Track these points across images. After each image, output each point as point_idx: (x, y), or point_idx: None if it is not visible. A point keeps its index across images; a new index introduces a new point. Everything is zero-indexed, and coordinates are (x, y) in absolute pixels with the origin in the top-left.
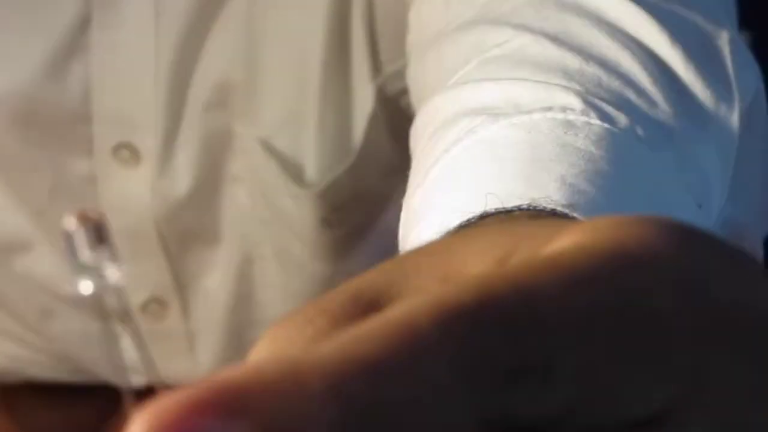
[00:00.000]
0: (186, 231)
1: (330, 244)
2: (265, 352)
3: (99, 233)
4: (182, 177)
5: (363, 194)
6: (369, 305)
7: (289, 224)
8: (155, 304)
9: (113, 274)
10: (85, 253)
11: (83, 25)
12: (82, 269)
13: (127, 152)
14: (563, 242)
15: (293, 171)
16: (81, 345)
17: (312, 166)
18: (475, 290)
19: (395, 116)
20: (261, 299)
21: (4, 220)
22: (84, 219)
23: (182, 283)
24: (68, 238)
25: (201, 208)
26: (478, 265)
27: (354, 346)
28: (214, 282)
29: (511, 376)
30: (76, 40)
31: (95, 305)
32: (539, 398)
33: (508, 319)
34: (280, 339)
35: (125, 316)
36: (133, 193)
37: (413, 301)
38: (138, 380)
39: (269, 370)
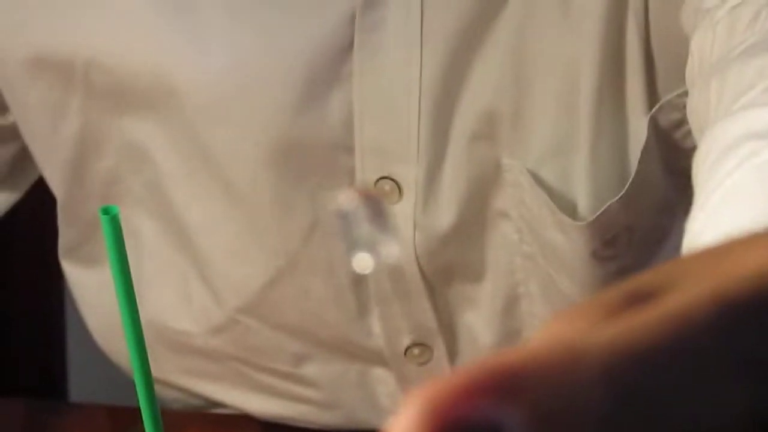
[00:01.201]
0: (449, 267)
1: (600, 280)
2: (540, 341)
3: (378, 209)
4: (446, 211)
5: (636, 228)
6: (646, 300)
7: (557, 259)
8: (418, 348)
9: (392, 251)
10: (364, 230)
11: (346, 49)
12: (359, 245)
13: (389, 185)
14: None
15: (563, 203)
16: (338, 388)
17: (583, 197)
18: (753, 283)
19: (669, 149)
20: (528, 338)
21: (242, 273)
22: (364, 195)
23: (445, 323)
24: (343, 217)
25: (465, 244)
26: (758, 260)
27: (631, 332)
28: (479, 320)
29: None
30: (338, 66)
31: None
32: None
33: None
34: (555, 331)
35: (418, 278)
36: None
37: (689, 292)
38: None
39: (544, 353)
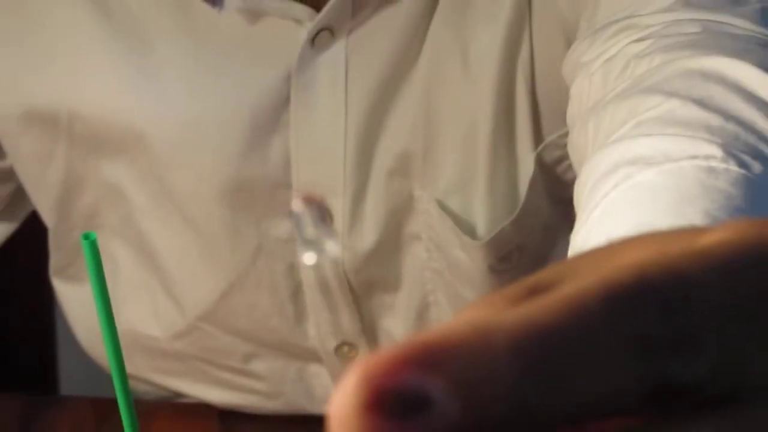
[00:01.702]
0: (370, 280)
1: (498, 289)
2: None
3: (321, 213)
4: (368, 234)
5: (526, 245)
6: (543, 291)
7: (461, 273)
8: (346, 347)
9: (332, 247)
10: (309, 230)
11: (284, 104)
12: (307, 243)
13: None
14: (711, 238)
15: (465, 226)
16: (280, 382)
17: (481, 221)
18: (637, 273)
19: (552, 181)
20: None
21: (198, 287)
22: (308, 201)
23: (367, 326)
24: (295, 217)
25: (384, 261)
26: (636, 256)
27: (533, 313)
28: (396, 324)
29: (664, 343)
30: (277, 117)
31: (318, 282)
32: (687, 363)
33: (664, 299)
34: (468, 315)
35: (347, 289)
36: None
37: (583, 280)
38: None
39: (461, 331)
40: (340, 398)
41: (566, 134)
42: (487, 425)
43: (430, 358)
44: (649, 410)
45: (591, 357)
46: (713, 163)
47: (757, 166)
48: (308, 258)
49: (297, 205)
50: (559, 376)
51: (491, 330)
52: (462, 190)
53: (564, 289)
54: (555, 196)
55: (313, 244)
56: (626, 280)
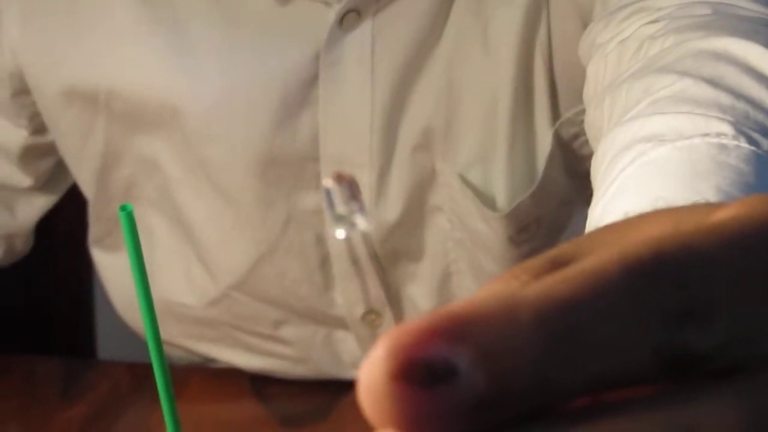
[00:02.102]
0: (395, 250)
1: (517, 259)
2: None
3: (352, 190)
4: (393, 206)
5: (543, 218)
6: (564, 264)
7: (481, 243)
8: (372, 315)
9: (362, 222)
10: (341, 206)
11: (312, 81)
12: (338, 219)
13: None
14: (724, 214)
15: (485, 199)
16: (308, 347)
17: (501, 194)
18: (653, 248)
19: (569, 156)
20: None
21: (230, 256)
22: (339, 178)
23: (392, 295)
24: (327, 194)
25: (408, 231)
26: (653, 230)
27: (556, 286)
28: (419, 292)
29: (679, 315)
30: (306, 93)
31: (348, 254)
32: (701, 334)
33: (679, 273)
34: (494, 288)
35: (370, 260)
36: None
37: (602, 255)
38: (357, 374)
39: (487, 304)
40: (370, 368)
41: (583, 111)
42: (510, 396)
43: (457, 329)
44: (665, 380)
45: (610, 329)
46: (724, 141)
47: (766, 143)
48: (339, 233)
49: (328, 182)
50: (579, 349)
51: (516, 303)
52: (482, 164)
53: (584, 263)
54: (571, 171)
55: (344, 220)
56: (643, 255)
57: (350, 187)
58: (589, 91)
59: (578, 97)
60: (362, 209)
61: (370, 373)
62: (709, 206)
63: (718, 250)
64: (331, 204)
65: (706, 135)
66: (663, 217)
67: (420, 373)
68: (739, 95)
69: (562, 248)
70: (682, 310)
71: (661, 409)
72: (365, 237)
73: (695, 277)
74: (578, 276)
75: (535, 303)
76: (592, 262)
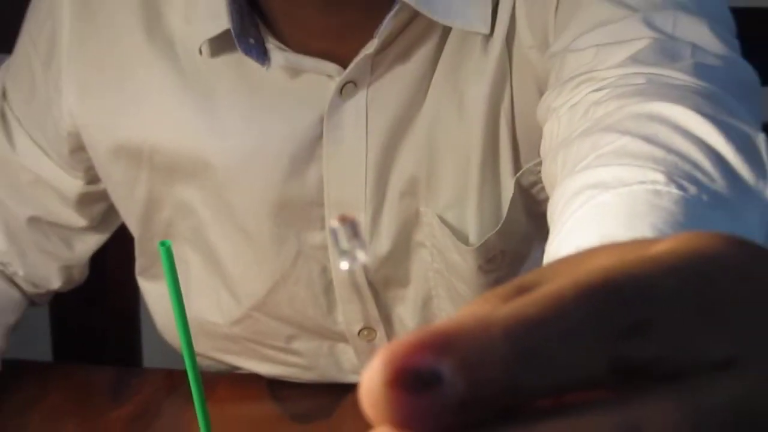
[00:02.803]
0: (386, 278)
1: (485, 285)
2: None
3: (354, 229)
4: (384, 242)
5: (508, 251)
6: (528, 290)
7: (456, 272)
8: (367, 331)
9: (362, 256)
10: (344, 243)
11: (317, 140)
12: (343, 253)
13: None
14: (660, 247)
15: (460, 236)
16: (315, 357)
17: (473, 232)
18: (602, 276)
19: (529, 200)
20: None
21: (250, 283)
22: (344, 220)
23: (384, 314)
24: (333, 232)
25: (396, 262)
26: (602, 261)
27: (521, 308)
28: (406, 312)
29: (624, 331)
30: (312, 151)
31: (350, 282)
32: (643, 346)
33: (624, 295)
34: (470, 310)
35: (366, 286)
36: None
37: (560, 282)
38: (356, 379)
39: (465, 323)
40: (368, 377)
41: (540, 164)
42: (485, 398)
43: (441, 343)
44: (616, 383)
45: (567, 342)
46: (658, 187)
47: (692, 189)
48: (343, 265)
49: (334, 223)
50: (542, 359)
51: (489, 322)
52: (457, 207)
53: (545, 289)
54: (531, 212)
55: (347, 254)
56: (593, 282)
57: (353, 227)
58: (545, 146)
59: (536, 151)
60: (363, 245)
61: (369, 380)
62: (647, 241)
63: (655, 277)
64: (336, 241)
65: (643, 183)
66: (609, 250)
67: (410, 380)
68: (669, 149)
69: (526, 277)
70: (627, 327)
71: (612, 408)
72: (363, 268)
73: (637, 300)
74: (540, 300)
75: (504, 322)
76: (551, 288)
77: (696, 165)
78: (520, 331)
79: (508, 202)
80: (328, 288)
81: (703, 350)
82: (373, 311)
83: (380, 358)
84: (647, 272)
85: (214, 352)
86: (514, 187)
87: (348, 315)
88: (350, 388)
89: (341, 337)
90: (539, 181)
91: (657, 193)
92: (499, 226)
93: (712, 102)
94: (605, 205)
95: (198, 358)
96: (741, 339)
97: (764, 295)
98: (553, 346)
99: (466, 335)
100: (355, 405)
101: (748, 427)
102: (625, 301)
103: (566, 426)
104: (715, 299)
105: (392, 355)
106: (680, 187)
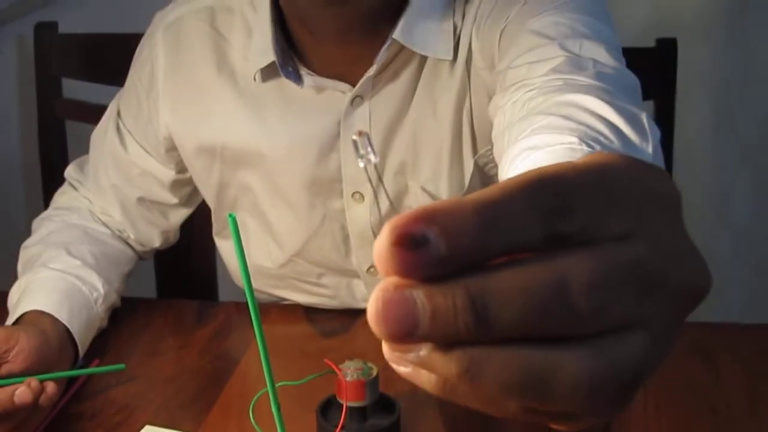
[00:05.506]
0: None
1: None
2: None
3: (368, 140)
4: (384, 205)
5: None
6: None
7: None
8: (373, 268)
9: (373, 157)
10: (362, 149)
11: (336, 137)
12: (360, 156)
13: (358, 195)
14: (581, 161)
15: (436, 200)
16: (337, 289)
17: (445, 197)
18: (540, 174)
19: (483, 175)
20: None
21: (291, 238)
22: (361, 134)
23: None
24: (354, 142)
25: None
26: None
27: (483, 194)
28: None
29: (555, 211)
30: (333, 144)
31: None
32: (568, 222)
33: (555, 186)
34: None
35: (372, 237)
36: (361, 214)
37: (512, 178)
38: (366, 305)
39: (446, 204)
40: (379, 242)
41: (491, 149)
42: (460, 256)
43: (429, 216)
44: (546, 247)
45: (515, 216)
46: (574, 146)
47: (597, 147)
48: (360, 163)
49: (354, 136)
50: (498, 229)
51: (463, 201)
52: (434, 181)
53: (501, 183)
54: (485, 183)
55: (363, 157)
56: (533, 178)
57: (367, 139)
58: (495, 133)
59: (488, 140)
60: (374, 151)
61: (380, 244)
62: (570, 161)
63: (577, 176)
64: (356, 148)
65: (563, 144)
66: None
67: (407, 241)
68: (580, 123)
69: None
70: (557, 208)
71: (547, 259)
72: (370, 216)
73: (563, 190)
74: (497, 188)
75: (473, 202)
76: (505, 182)
77: (599, 132)
78: (483, 208)
79: (470, 177)
80: (345, 239)
81: (610, 226)
82: None
83: (387, 226)
84: (572, 173)
85: (267, 288)
86: (473, 166)
87: (359, 258)
88: (362, 312)
89: (355, 274)
90: (491, 161)
91: (573, 149)
92: (463, 192)
93: (609, 94)
94: (537, 160)
95: (255, 293)
96: (635, 219)
97: (650, 191)
98: (505, 220)
99: (446, 211)
100: (365, 324)
101: (640, 280)
102: (556, 190)
103: (515, 272)
104: (618, 193)
105: (396, 225)
106: (589, 146)
